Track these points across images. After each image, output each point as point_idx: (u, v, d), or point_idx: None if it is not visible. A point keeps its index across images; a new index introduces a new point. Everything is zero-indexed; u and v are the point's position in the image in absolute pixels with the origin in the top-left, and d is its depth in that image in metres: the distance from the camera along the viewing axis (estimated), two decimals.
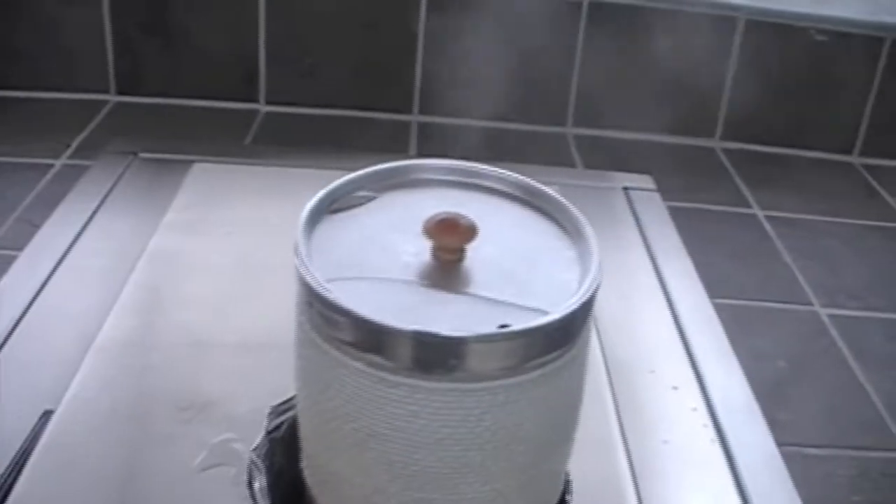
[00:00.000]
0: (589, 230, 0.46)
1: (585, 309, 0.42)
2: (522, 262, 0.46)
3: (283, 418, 0.51)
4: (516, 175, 0.50)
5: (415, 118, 1.38)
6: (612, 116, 1.38)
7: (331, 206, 0.47)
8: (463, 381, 0.39)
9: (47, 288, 0.77)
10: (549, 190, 0.49)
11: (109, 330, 0.71)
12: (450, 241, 0.44)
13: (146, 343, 0.70)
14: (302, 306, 0.42)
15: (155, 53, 1.37)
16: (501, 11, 1.26)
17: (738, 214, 1.20)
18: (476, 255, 0.45)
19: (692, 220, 1.14)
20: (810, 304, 1.03)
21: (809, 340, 0.96)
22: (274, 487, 0.50)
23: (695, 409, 0.71)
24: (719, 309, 0.84)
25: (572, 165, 1.30)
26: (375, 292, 0.42)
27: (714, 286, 0.90)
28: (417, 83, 1.37)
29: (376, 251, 0.45)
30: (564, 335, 0.42)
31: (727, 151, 1.38)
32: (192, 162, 0.99)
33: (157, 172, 0.98)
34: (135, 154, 1.01)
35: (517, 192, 0.50)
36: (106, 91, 1.37)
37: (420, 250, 0.45)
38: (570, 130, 1.39)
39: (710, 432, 0.69)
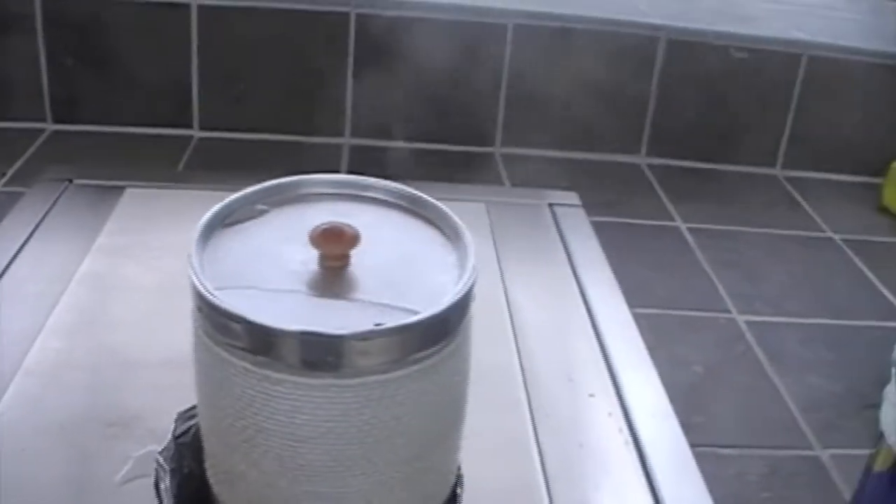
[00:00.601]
0: (467, 236, 0.49)
1: (459, 307, 0.45)
2: (404, 268, 0.48)
3: (190, 423, 0.53)
4: (401, 186, 0.53)
5: (346, 140, 1.40)
6: (539, 135, 1.40)
7: (225, 220, 0.49)
8: (341, 377, 0.42)
9: None
10: (431, 199, 0.52)
11: (38, 352, 0.72)
12: (334, 249, 0.46)
13: (74, 363, 0.71)
14: (195, 313, 0.44)
15: (90, 81, 1.37)
16: (428, 35, 1.28)
17: (661, 227, 1.23)
18: (361, 262, 0.47)
19: (616, 234, 1.17)
20: (728, 311, 1.05)
21: (726, 346, 0.99)
22: (182, 489, 0.52)
23: (610, 414, 0.72)
24: (639, 318, 0.86)
25: (500, 184, 1.32)
26: (262, 298, 0.44)
27: (635, 296, 0.92)
28: (349, 106, 1.39)
29: (266, 261, 0.47)
30: (439, 332, 0.44)
31: (652, 167, 1.41)
32: (125, 188, 1.00)
33: (91, 198, 0.98)
34: (69, 181, 1.01)
35: (403, 203, 0.53)
36: (42, 119, 1.38)
37: (308, 259, 0.47)
38: (499, 150, 1.41)
39: (625, 436, 0.70)
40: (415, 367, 0.43)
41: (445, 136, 1.40)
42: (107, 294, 0.81)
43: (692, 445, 0.70)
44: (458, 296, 0.44)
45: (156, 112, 1.37)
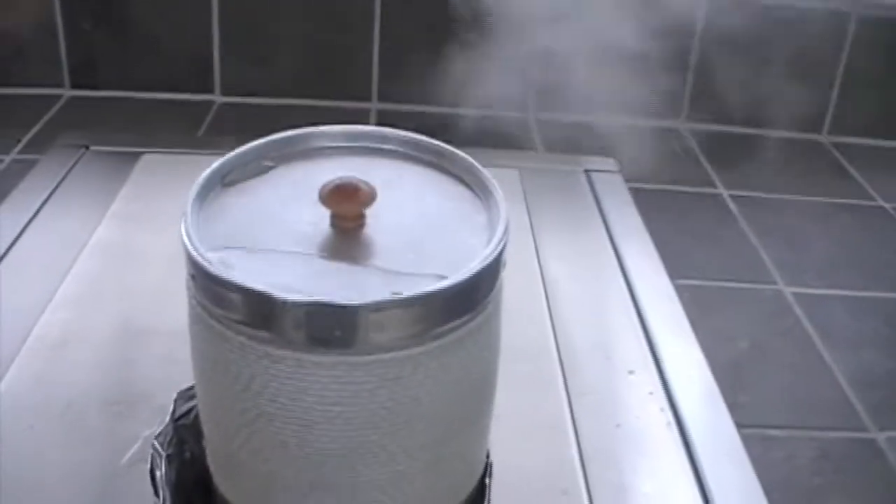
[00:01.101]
0: (498, 192, 0.43)
1: (489, 273, 0.40)
2: (427, 229, 0.43)
3: (191, 403, 0.48)
4: (421, 137, 0.47)
5: (374, 105, 1.36)
6: (574, 101, 1.36)
7: (225, 178, 0.44)
8: (352, 353, 0.36)
9: None
10: (457, 151, 0.46)
11: (45, 325, 0.70)
12: (347, 208, 0.41)
13: (81, 336, 0.69)
14: (188, 280, 0.40)
15: (108, 46, 1.34)
16: None
17: (703, 195, 1.19)
18: (377, 222, 0.42)
19: (656, 202, 1.13)
20: (774, 283, 1.01)
21: (773, 320, 0.95)
22: (183, 475, 0.48)
23: (651, 393, 0.69)
24: (681, 290, 0.82)
25: (533, 149, 1.28)
26: (263, 263, 0.39)
27: (676, 267, 0.88)
28: (375, 71, 1.35)
29: (270, 222, 0.42)
30: (464, 303, 0.39)
31: (693, 132, 1.37)
32: (142, 154, 0.98)
33: (107, 165, 0.97)
34: (86, 147, 0.99)
35: (425, 156, 0.47)
36: (60, 85, 1.35)
37: (318, 219, 0.42)
38: (533, 115, 1.37)
39: (667, 416, 0.67)
40: (437, 343, 0.38)
41: (476, 101, 1.35)
42: (118, 263, 0.79)
43: (738, 426, 0.67)
44: (488, 261, 0.39)
45: (176, 77, 1.34)
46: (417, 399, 0.38)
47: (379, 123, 1.29)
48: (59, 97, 1.34)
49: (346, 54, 1.35)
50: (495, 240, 0.40)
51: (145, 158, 0.97)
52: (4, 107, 1.31)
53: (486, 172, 0.45)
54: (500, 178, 1.00)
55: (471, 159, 0.46)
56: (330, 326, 0.36)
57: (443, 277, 0.38)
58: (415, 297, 0.37)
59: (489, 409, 0.45)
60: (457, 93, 1.33)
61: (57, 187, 0.92)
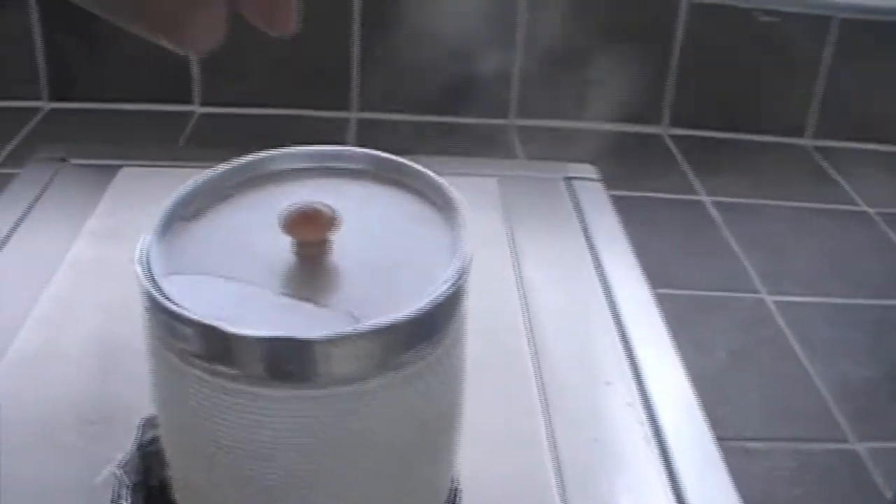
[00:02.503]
0: (461, 210, 0.42)
1: (447, 303, 0.39)
2: (394, 252, 0.42)
3: (157, 431, 0.48)
4: (384, 154, 0.46)
5: (354, 115, 1.36)
6: (553, 106, 1.35)
7: (186, 209, 0.44)
8: (307, 387, 0.36)
9: None
10: (419, 167, 0.45)
11: (20, 343, 0.69)
12: (309, 235, 0.40)
13: (57, 354, 0.68)
14: (145, 313, 0.39)
15: (87, 58, 1.34)
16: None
17: (684, 202, 1.18)
18: (342, 248, 0.41)
19: (637, 209, 1.12)
20: (756, 291, 1.00)
21: (755, 329, 0.94)
22: (150, 501, 0.47)
23: (629, 405, 0.68)
24: (662, 299, 0.82)
25: (514, 157, 1.27)
26: (223, 295, 0.39)
27: (657, 276, 0.88)
28: (356, 79, 1.34)
29: (231, 251, 0.41)
30: (422, 333, 0.38)
31: (674, 138, 1.36)
32: (121, 166, 0.97)
33: (86, 178, 0.96)
34: (64, 160, 0.98)
35: (388, 173, 0.46)
36: (38, 98, 1.34)
37: (280, 247, 0.41)
38: (513, 122, 1.37)
39: (646, 429, 0.66)
40: (393, 375, 0.37)
41: (457, 109, 1.35)
42: (94, 280, 0.78)
43: (718, 438, 0.66)
44: (446, 290, 0.38)
45: (156, 88, 1.33)
46: (376, 432, 0.37)
47: (359, 132, 1.30)
48: (38, 110, 1.33)
49: (325, 63, 1.34)
50: (453, 268, 0.39)
51: (124, 172, 0.95)
52: None
53: (449, 189, 0.44)
54: (478, 186, 1.01)
55: (438, 178, 0.45)
56: (284, 361, 0.36)
57: (404, 308, 0.37)
58: (369, 330, 0.36)
59: (454, 439, 0.44)
60: (440, 99, 1.33)
61: (35, 202, 0.91)
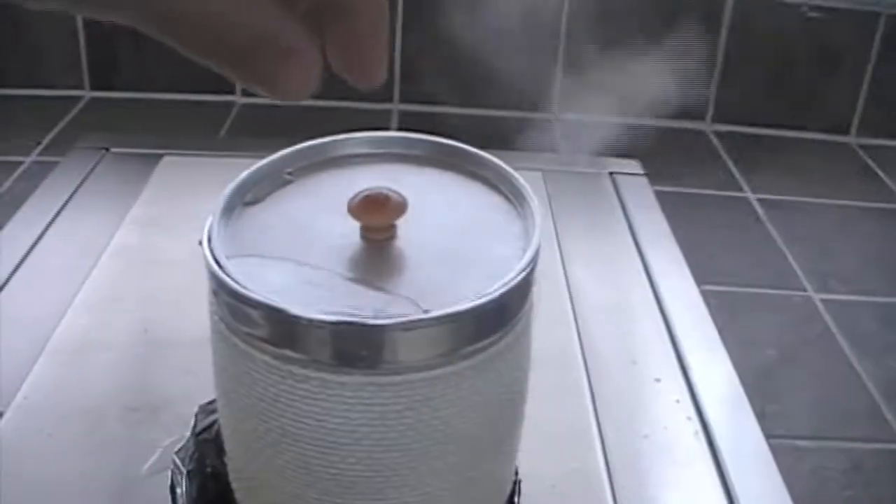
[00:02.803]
0: (532, 199, 0.42)
1: (520, 291, 0.38)
2: (460, 239, 0.41)
3: (213, 417, 0.47)
4: (454, 143, 0.46)
5: (395, 107, 1.35)
6: (599, 101, 1.34)
7: (247, 194, 0.43)
8: (379, 374, 0.35)
9: (6, 290, 0.75)
10: (490, 156, 0.45)
11: (65, 330, 0.69)
12: (377, 220, 0.40)
13: (101, 342, 0.68)
14: (210, 296, 0.39)
15: (129, 47, 1.33)
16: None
17: (730, 198, 1.17)
18: (409, 233, 0.41)
19: (681, 206, 1.11)
20: (803, 289, 0.99)
21: (802, 327, 0.93)
22: (204, 491, 0.47)
23: (678, 401, 0.68)
24: (708, 296, 0.81)
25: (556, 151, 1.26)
26: (289, 279, 0.38)
27: (703, 272, 0.87)
28: (397, 71, 1.33)
29: (298, 235, 0.41)
30: (495, 321, 0.37)
31: (718, 134, 1.35)
32: (163, 156, 0.97)
33: (128, 167, 0.96)
34: (106, 149, 0.99)
35: (457, 162, 0.46)
36: (80, 87, 1.34)
37: (348, 231, 0.40)
38: (557, 116, 1.35)
39: (695, 425, 0.66)
40: (467, 363, 0.36)
41: (499, 102, 1.34)
42: (138, 268, 0.78)
43: (767, 436, 0.65)
44: (519, 278, 0.37)
45: (197, 78, 1.32)
46: (447, 421, 0.37)
47: (401, 125, 1.29)
48: (79, 98, 1.33)
49: None
50: (528, 256, 0.39)
51: (166, 160, 0.96)
52: (24, 109, 1.30)
53: (521, 178, 0.43)
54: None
55: (504, 165, 0.44)
56: (356, 346, 0.35)
57: (475, 293, 0.36)
58: (443, 315, 0.35)
59: (519, 429, 0.43)
60: (479, 93, 1.32)
61: (76, 190, 0.91)
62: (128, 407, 0.62)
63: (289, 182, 0.44)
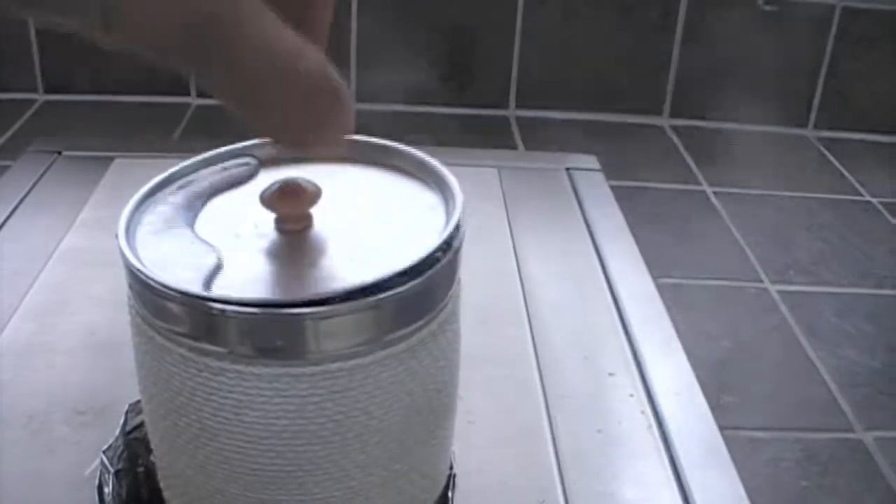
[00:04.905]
0: (454, 185, 0.40)
1: (442, 275, 0.37)
2: (380, 230, 0.40)
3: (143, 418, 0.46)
4: (367, 138, 0.44)
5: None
6: (553, 97, 1.34)
7: (167, 190, 0.42)
8: (296, 364, 0.34)
9: None
10: (409, 148, 0.44)
11: (10, 334, 0.69)
12: (291, 208, 0.39)
13: (47, 346, 0.68)
14: (128, 290, 0.38)
15: (82, 50, 1.31)
16: None
17: (686, 192, 1.17)
18: (325, 224, 0.40)
19: (638, 200, 1.11)
20: (759, 280, 0.99)
21: (758, 319, 0.92)
22: (135, 491, 0.46)
23: (632, 395, 0.68)
24: (664, 289, 0.81)
25: (514, 148, 1.25)
26: (203, 269, 0.36)
27: (659, 266, 0.87)
28: (353, 69, 1.32)
29: (215, 229, 0.40)
30: (415, 307, 0.36)
31: (675, 128, 1.35)
32: (115, 158, 0.96)
33: (80, 170, 0.96)
34: (58, 153, 0.98)
35: (377, 158, 0.45)
36: (33, 90, 1.33)
37: (261, 222, 0.40)
38: (513, 113, 1.35)
39: (648, 419, 0.66)
40: (386, 352, 0.35)
41: (457, 99, 1.33)
42: (86, 271, 0.78)
43: (722, 428, 0.65)
44: (441, 262, 0.36)
45: (152, 80, 1.31)
46: (368, 412, 0.36)
47: (359, 122, 1.28)
48: (32, 102, 1.32)
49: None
50: (446, 234, 0.37)
51: (117, 163, 0.96)
52: None
53: (441, 166, 0.42)
54: (478, 176, 1.00)
55: (422, 154, 0.43)
56: (270, 335, 0.34)
57: (394, 280, 0.35)
58: (360, 301, 0.34)
59: (449, 421, 0.42)
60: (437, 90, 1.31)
61: (27, 194, 0.91)
62: (74, 409, 0.62)
63: (212, 180, 0.43)
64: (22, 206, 0.88)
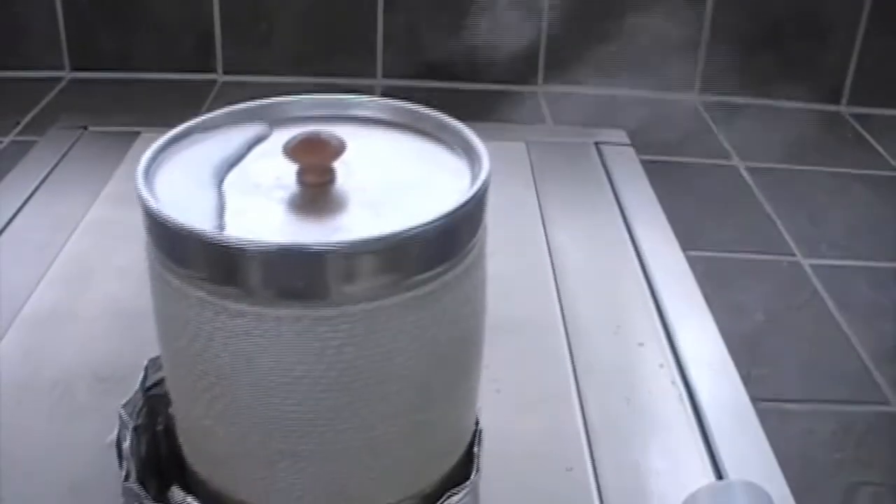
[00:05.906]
0: (478, 143, 0.39)
1: (467, 219, 0.36)
2: (402, 188, 0.39)
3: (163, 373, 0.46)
4: (395, 101, 0.44)
5: (378, 82, 1.34)
6: (585, 72, 1.33)
7: (186, 140, 0.41)
8: (317, 306, 0.33)
9: None
10: (434, 112, 0.42)
11: (36, 301, 0.69)
12: (314, 160, 0.38)
13: (71, 314, 0.68)
14: (146, 236, 0.37)
15: (109, 27, 1.32)
16: None
17: (718, 167, 1.15)
18: (348, 180, 0.39)
19: (669, 175, 1.09)
20: (792, 254, 0.97)
21: (791, 292, 0.91)
22: (154, 448, 0.45)
23: (661, 366, 0.66)
24: (695, 262, 0.79)
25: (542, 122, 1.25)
26: (224, 213, 0.36)
27: (690, 239, 0.86)
28: (380, 46, 1.32)
29: (237, 176, 0.39)
30: (440, 250, 0.35)
31: (706, 105, 1.33)
32: (140, 133, 0.96)
33: (105, 145, 0.96)
34: (84, 128, 0.98)
35: (400, 119, 0.44)
36: (60, 67, 1.33)
37: (283, 174, 0.39)
38: (541, 88, 1.34)
39: (678, 389, 0.64)
40: (410, 294, 0.34)
41: (485, 76, 1.33)
42: (110, 242, 0.78)
43: (753, 400, 0.64)
44: (467, 203, 0.35)
45: (178, 56, 1.31)
46: (390, 358, 0.35)
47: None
48: (59, 79, 1.32)
49: (349, 30, 1.32)
50: (476, 184, 0.36)
51: (143, 137, 0.96)
52: (5, 89, 1.30)
53: (464, 127, 0.41)
54: (506, 151, 0.99)
55: (446, 117, 0.42)
56: (292, 275, 0.33)
57: (418, 227, 0.34)
58: (384, 240, 0.33)
59: (474, 372, 0.41)
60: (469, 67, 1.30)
61: (54, 168, 0.91)
62: (97, 376, 0.61)
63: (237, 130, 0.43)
64: (49, 180, 0.89)
